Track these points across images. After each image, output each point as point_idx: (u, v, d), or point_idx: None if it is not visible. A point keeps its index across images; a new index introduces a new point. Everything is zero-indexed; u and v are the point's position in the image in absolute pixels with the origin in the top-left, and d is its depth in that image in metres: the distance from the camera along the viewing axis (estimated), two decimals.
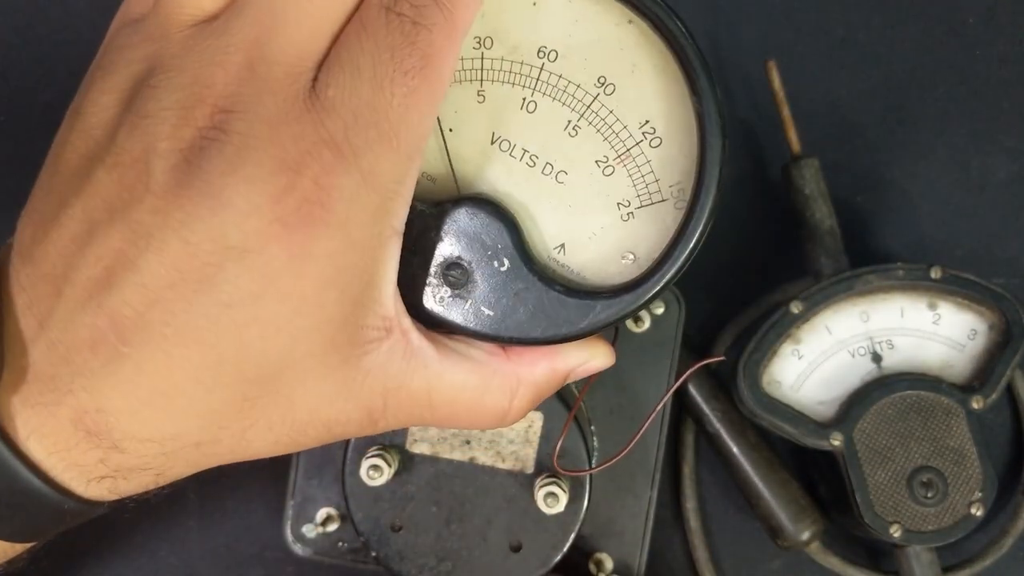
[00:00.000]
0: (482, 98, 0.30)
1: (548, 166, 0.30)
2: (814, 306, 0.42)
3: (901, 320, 0.42)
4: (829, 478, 0.43)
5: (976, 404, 0.41)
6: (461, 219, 0.30)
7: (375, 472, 0.38)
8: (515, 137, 0.30)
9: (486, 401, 0.30)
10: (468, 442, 0.39)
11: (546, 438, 0.39)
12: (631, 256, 0.30)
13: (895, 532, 0.41)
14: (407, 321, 0.28)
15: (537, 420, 0.39)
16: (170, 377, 0.26)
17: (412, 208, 0.28)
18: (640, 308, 0.30)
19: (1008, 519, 0.44)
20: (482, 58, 0.29)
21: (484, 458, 0.39)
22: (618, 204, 0.30)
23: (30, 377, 0.26)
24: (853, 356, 0.42)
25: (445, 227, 0.30)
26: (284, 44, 0.25)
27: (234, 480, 0.45)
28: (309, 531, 0.42)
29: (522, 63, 0.29)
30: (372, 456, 0.39)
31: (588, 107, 0.29)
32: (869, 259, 0.43)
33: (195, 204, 0.24)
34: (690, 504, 0.45)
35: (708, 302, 0.45)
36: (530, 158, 0.30)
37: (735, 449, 0.43)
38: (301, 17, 0.26)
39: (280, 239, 0.25)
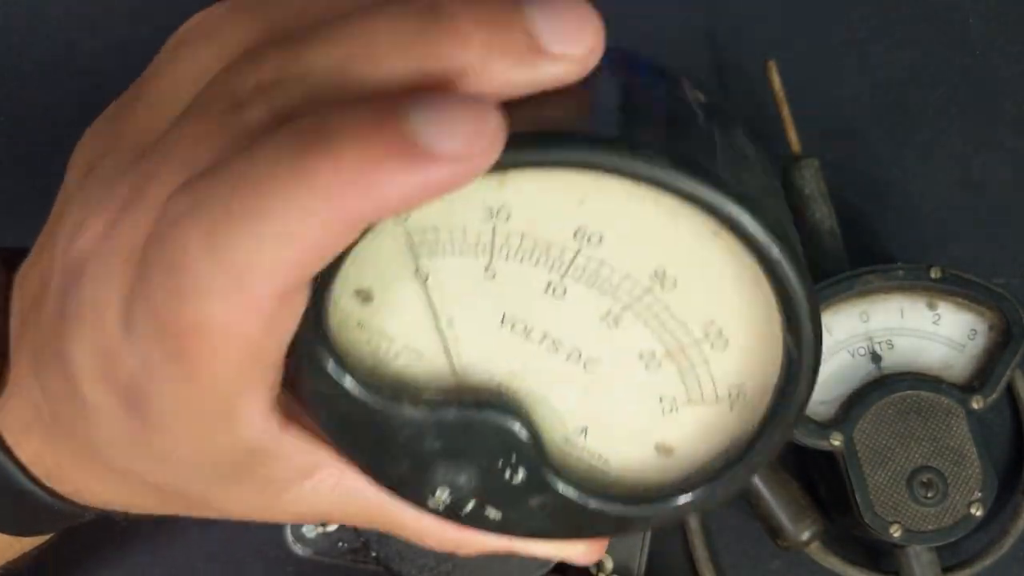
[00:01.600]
0: (492, 274, 0.23)
1: (576, 353, 0.24)
2: None
3: (901, 320, 0.42)
4: (829, 478, 0.43)
5: (976, 404, 0.41)
6: (464, 427, 0.24)
7: None
8: (534, 320, 0.23)
9: (435, 537, 0.27)
10: None
11: None
12: (669, 451, 0.25)
13: (895, 532, 0.41)
14: (340, 466, 0.25)
15: None
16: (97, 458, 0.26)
17: (401, 412, 0.23)
18: (681, 517, 0.26)
19: (1008, 519, 0.44)
20: (493, 232, 0.22)
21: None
22: (660, 398, 0.24)
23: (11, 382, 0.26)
24: (853, 356, 0.42)
25: (443, 435, 0.24)
26: None
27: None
28: (309, 531, 0.42)
29: (550, 243, 0.22)
30: None
31: (638, 299, 0.23)
32: (869, 259, 0.43)
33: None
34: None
35: None
36: (552, 343, 0.24)
37: None
38: None
39: (123, 421, 0.23)
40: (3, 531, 0.29)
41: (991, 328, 0.42)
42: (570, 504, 0.24)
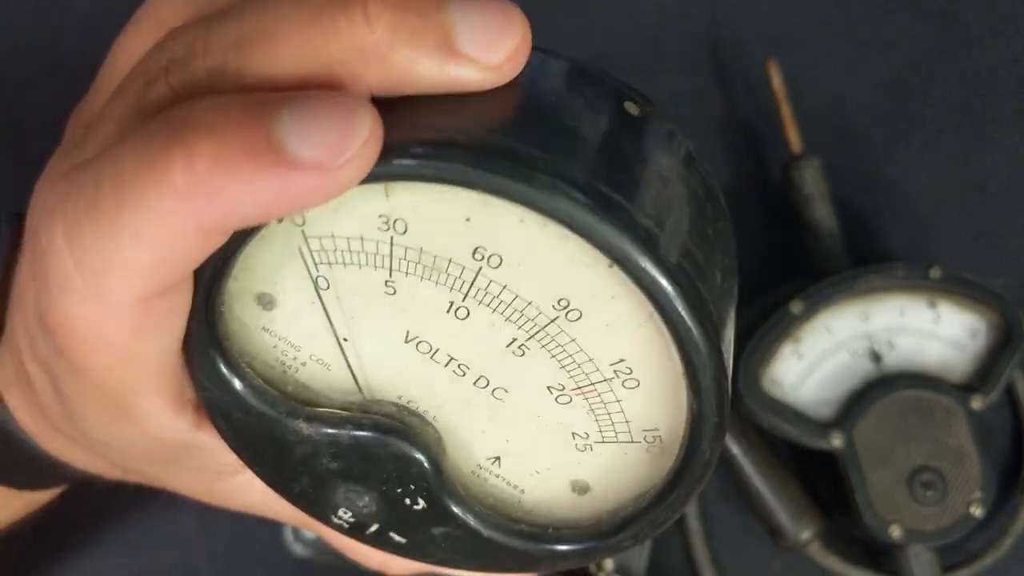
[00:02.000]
0: (392, 290, 0.21)
1: (483, 379, 0.22)
2: (814, 306, 0.42)
3: (901, 320, 0.42)
4: (829, 478, 0.43)
5: (976, 404, 0.41)
6: (361, 450, 0.23)
7: None
8: (438, 341, 0.22)
9: (358, 553, 0.28)
10: None
11: None
12: (585, 488, 0.24)
13: (895, 532, 0.41)
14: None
15: None
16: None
17: (297, 430, 0.23)
18: (593, 560, 0.24)
19: (1008, 519, 0.44)
20: (391, 243, 0.21)
21: None
22: (572, 434, 0.23)
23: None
24: (853, 356, 0.42)
25: (341, 456, 0.23)
26: None
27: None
28: (309, 531, 0.42)
29: (450, 261, 0.20)
30: None
31: (542, 328, 0.21)
32: (869, 259, 0.43)
33: None
34: (690, 504, 0.45)
35: None
36: (458, 367, 0.22)
37: (735, 449, 0.43)
38: None
39: (53, 401, 0.24)
40: (10, 484, 0.30)
41: (991, 328, 0.42)
42: (475, 537, 0.24)
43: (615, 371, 0.22)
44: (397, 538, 0.24)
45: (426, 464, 0.23)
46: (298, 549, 0.42)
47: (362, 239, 0.21)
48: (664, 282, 0.19)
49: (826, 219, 0.43)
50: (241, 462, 0.24)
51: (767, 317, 0.42)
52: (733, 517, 0.45)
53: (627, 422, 0.22)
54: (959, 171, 0.47)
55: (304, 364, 0.23)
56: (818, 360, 0.42)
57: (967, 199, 0.46)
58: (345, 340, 0.22)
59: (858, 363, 0.42)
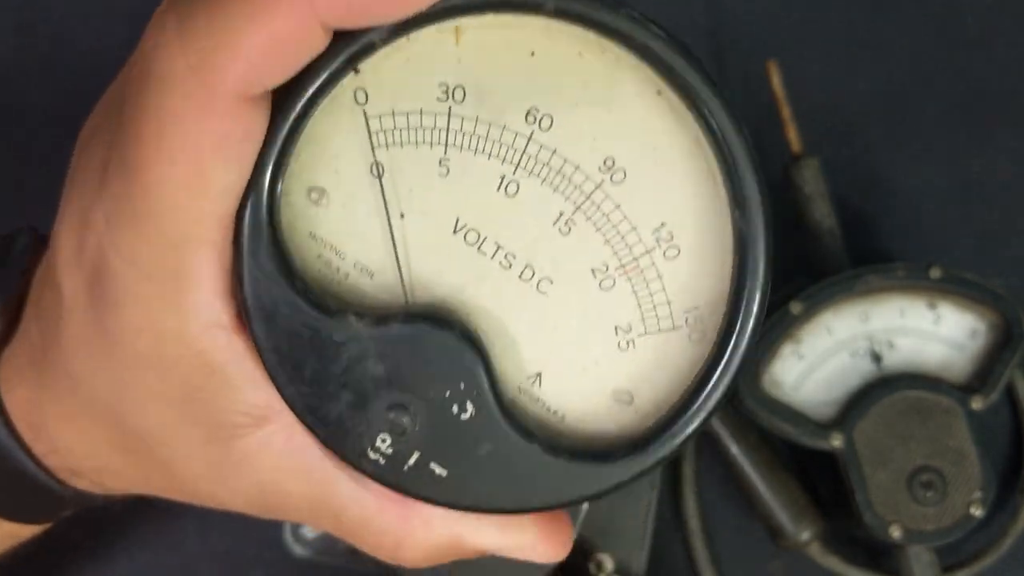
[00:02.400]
0: (446, 170, 0.22)
1: (528, 270, 0.23)
2: (814, 306, 0.42)
3: (901, 320, 0.42)
4: (829, 478, 0.43)
5: (976, 404, 0.41)
6: (411, 346, 0.22)
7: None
8: (487, 228, 0.23)
9: (376, 528, 0.26)
10: None
11: None
12: (627, 398, 0.24)
13: (895, 532, 0.41)
14: (291, 417, 0.24)
15: None
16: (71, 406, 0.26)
17: (341, 325, 0.22)
18: (639, 478, 0.23)
19: (1008, 519, 0.44)
20: (449, 114, 0.22)
21: None
22: (616, 328, 0.23)
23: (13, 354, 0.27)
24: (853, 356, 0.42)
25: (388, 355, 0.22)
26: None
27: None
28: (308, 531, 0.42)
29: (504, 128, 0.22)
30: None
31: (588, 197, 0.22)
32: (869, 259, 0.43)
33: None
34: (690, 504, 0.45)
35: None
36: (505, 257, 0.23)
37: (735, 450, 0.43)
38: None
39: (86, 311, 0.24)
40: (10, 518, 0.29)
41: (991, 328, 0.42)
42: (520, 455, 0.23)
43: (657, 239, 0.23)
44: (438, 470, 0.23)
45: (474, 359, 0.23)
46: (298, 549, 0.42)
47: (421, 113, 0.22)
48: (709, 88, 0.21)
49: (826, 219, 0.43)
50: (265, 405, 0.24)
51: (767, 317, 0.42)
52: (733, 517, 0.45)
53: (668, 303, 0.23)
54: (959, 171, 0.47)
55: (347, 275, 0.23)
56: (818, 360, 0.42)
57: (967, 199, 0.46)
58: (396, 232, 0.23)
59: (858, 363, 0.42)
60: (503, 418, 0.23)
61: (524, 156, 0.22)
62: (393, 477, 0.23)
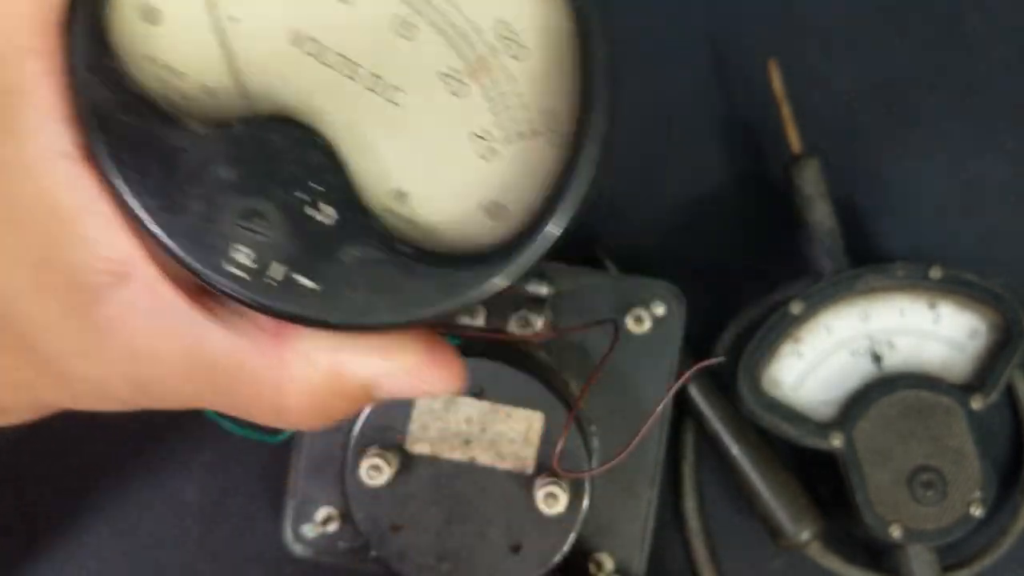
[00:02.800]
0: None
1: (376, 80, 0.22)
2: (814, 306, 0.42)
3: (901, 320, 0.42)
4: (829, 478, 0.43)
5: (976, 404, 0.41)
6: (258, 145, 0.21)
7: (375, 472, 0.38)
8: (326, 36, 0.22)
9: (253, 374, 0.24)
10: (468, 442, 0.39)
11: (547, 439, 0.39)
12: (496, 210, 0.23)
13: (895, 532, 0.41)
14: (152, 270, 0.22)
15: (537, 421, 0.39)
16: None
17: (183, 130, 0.21)
18: (518, 279, 0.22)
19: (1008, 519, 0.44)
20: None
21: (484, 458, 0.39)
22: (475, 135, 0.23)
23: None
24: (853, 356, 0.42)
25: (237, 157, 0.21)
26: None
27: (234, 480, 0.45)
28: (308, 531, 0.42)
29: None
30: (371, 456, 0.38)
31: (429, 2, 0.22)
32: (869, 259, 0.43)
33: None
34: (690, 504, 0.45)
35: (708, 302, 0.45)
36: (350, 68, 0.22)
37: (735, 449, 0.43)
38: None
39: None
40: None
41: (991, 328, 0.42)
42: (391, 263, 0.22)
43: (500, 38, 0.22)
44: (305, 282, 0.22)
45: (331, 165, 0.22)
46: (298, 549, 0.42)
47: None
48: None
49: (826, 219, 0.43)
50: (124, 259, 0.22)
51: (767, 317, 0.42)
52: (733, 517, 0.45)
53: (525, 107, 0.22)
54: (959, 171, 0.47)
55: (187, 95, 0.22)
56: (818, 360, 0.42)
57: (967, 199, 0.46)
58: (231, 45, 0.22)
59: (858, 363, 0.42)
60: (368, 221, 0.22)
61: None
62: (259, 294, 0.22)
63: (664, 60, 0.46)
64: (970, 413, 0.41)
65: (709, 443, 0.45)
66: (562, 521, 0.38)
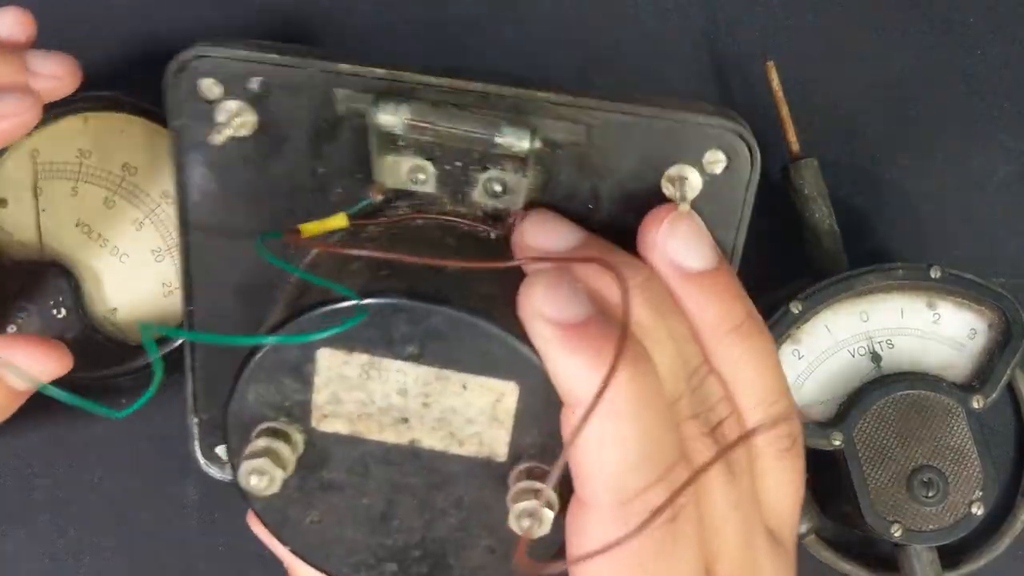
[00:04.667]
0: (75, 192, 0.40)
1: (116, 249, 0.41)
2: (814, 306, 0.42)
3: (901, 320, 0.42)
4: (829, 478, 0.43)
5: (976, 403, 0.41)
6: (34, 275, 0.40)
7: (260, 480, 0.28)
8: (98, 226, 0.40)
9: None
10: (405, 420, 0.29)
11: (527, 416, 0.29)
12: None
13: (896, 532, 0.41)
14: None
15: (509, 392, 0.28)
16: None
17: None
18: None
19: (1008, 519, 0.44)
20: (80, 165, 0.40)
21: (431, 441, 0.29)
22: (163, 283, 0.41)
23: None
24: (853, 356, 0.42)
25: (21, 279, 0.40)
26: None
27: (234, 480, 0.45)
28: (224, 452, 0.34)
29: (110, 172, 0.40)
30: (255, 454, 0.28)
31: (152, 211, 0.40)
32: (869, 259, 0.43)
33: None
34: None
35: None
36: (102, 239, 0.41)
37: None
38: None
39: None
40: None
41: (991, 328, 0.42)
42: (94, 344, 0.40)
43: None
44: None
45: (70, 289, 0.40)
46: (214, 472, 0.39)
47: (65, 161, 0.41)
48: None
49: (826, 219, 0.43)
50: None
51: (767, 317, 0.42)
52: None
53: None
54: (959, 171, 0.47)
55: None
56: (818, 360, 0.42)
57: (967, 199, 0.47)
58: (41, 227, 0.41)
59: (858, 363, 0.42)
60: (81, 317, 0.40)
61: (120, 187, 0.40)
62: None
63: (664, 60, 0.46)
64: (970, 413, 0.41)
65: None
66: (541, 542, 0.29)
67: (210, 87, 0.29)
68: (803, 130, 0.44)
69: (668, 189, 0.30)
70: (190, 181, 0.31)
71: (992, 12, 0.47)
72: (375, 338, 0.28)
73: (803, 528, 0.43)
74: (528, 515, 0.28)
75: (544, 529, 0.28)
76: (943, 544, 0.42)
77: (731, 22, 0.47)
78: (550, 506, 0.28)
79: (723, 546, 0.29)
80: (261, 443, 0.28)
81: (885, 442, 0.41)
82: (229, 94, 0.30)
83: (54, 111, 0.40)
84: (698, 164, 0.30)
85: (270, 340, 0.28)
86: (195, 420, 0.36)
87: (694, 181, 0.30)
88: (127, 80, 0.43)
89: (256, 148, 0.31)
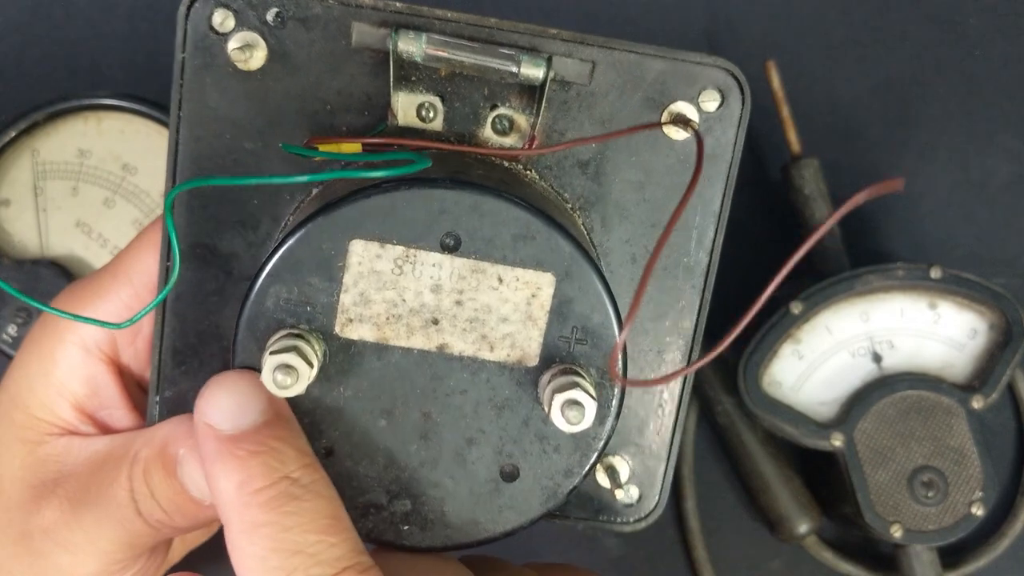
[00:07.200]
0: (75, 191, 0.42)
1: (115, 248, 0.42)
2: (814, 306, 0.42)
3: (901, 320, 0.42)
4: (829, 478, 0.43)
5: (976, 404, 0.41)
6: (34, 275, 0.41)
7: (286, 376, 0.26)
8: (98, 227, 0.42)
9: None
10: (436, 321, 0.27)
11: (561, 313, 0.27)
12: None
13: (896, 532, 0.41)
14: None
15: (546, 285, 0.27)
16: None
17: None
18: None
19: (1008, 519, 0.44)
20: (80, 165, 0.41)
21: (462, 345, 0.27)
22: None
23: None
24: (853, 356, 0.42)
25: (23, 279, 0.41)
26: None
27: None
28: None
29: (110, 172, 0.41)
30: (280, 350, 0.26)
31: (148, 215, 0.41)
32: (869, 259, 0.43)
33: None
34: (690, 504, 0.45)
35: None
36: (104, 242, 0.42)
37: (748, 440, 0.43)
38: None
39: None
40: None
41: (991, 328, 0.42)
42: None
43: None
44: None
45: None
46: None
47: (66, 161, 0.43)
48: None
49: (826, 219, 0.43)
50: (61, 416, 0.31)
51: (767, 317, 0.42)
52: (732, 516, 0.45)
53: None
54: (959, 171, 0.47)
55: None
56: (818, 360, 0.42)
57: (967, 199, 0.47)
58: (42, 227, 0.42)
59: (858, 363, 0.42)
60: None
61: (120, 188, 0.42)
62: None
63: None
64: (970, 413, 0.41)
65: (717, 434, 0.45)
66: (581, 438, 0.28)
67: (224, 18, 0.29)
68: (803, 130, 0.44)
69: (670, 128, 0.31)
70: (196, 112, 0.29)
71: (992, 12, 0.47)
72: (413, 226, 0.27)
73: (803, 528, 0.43)
74: (572, 403, 0.26)
75: (586, 421, 0.26)
76: (943, 544, 0.42)
77: (731, 22, 0.47)
78: (591, 397, 0.26)
79: None
80: (282, 345, 0.26)
81: (885, 442, 0.41)
82: (241, 25, 0.29)
83: (54, 111, 0.40)
84: (694, 102, 0.31)
85: (305, 178, 0.27)
86: (156, 399, 0.31)
87: (692, 115, 0.31)
88: (127, 80, 0.43)
89: (264, 82, 0.30)
